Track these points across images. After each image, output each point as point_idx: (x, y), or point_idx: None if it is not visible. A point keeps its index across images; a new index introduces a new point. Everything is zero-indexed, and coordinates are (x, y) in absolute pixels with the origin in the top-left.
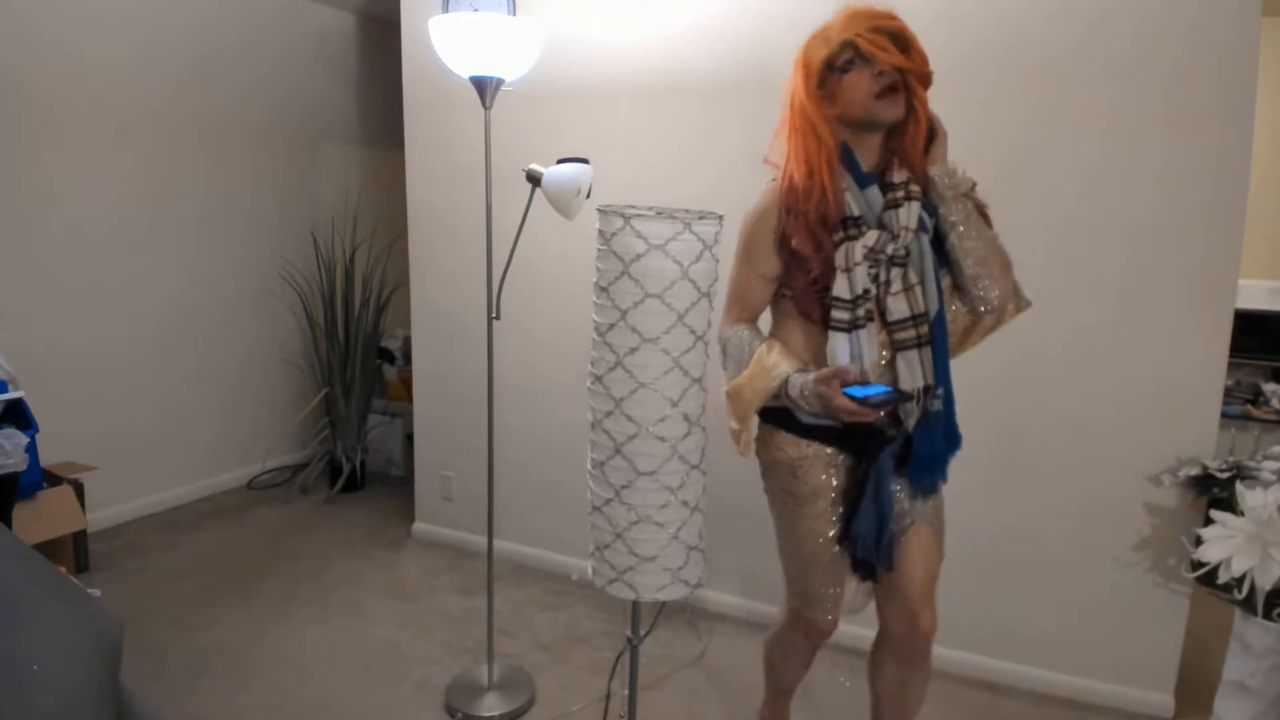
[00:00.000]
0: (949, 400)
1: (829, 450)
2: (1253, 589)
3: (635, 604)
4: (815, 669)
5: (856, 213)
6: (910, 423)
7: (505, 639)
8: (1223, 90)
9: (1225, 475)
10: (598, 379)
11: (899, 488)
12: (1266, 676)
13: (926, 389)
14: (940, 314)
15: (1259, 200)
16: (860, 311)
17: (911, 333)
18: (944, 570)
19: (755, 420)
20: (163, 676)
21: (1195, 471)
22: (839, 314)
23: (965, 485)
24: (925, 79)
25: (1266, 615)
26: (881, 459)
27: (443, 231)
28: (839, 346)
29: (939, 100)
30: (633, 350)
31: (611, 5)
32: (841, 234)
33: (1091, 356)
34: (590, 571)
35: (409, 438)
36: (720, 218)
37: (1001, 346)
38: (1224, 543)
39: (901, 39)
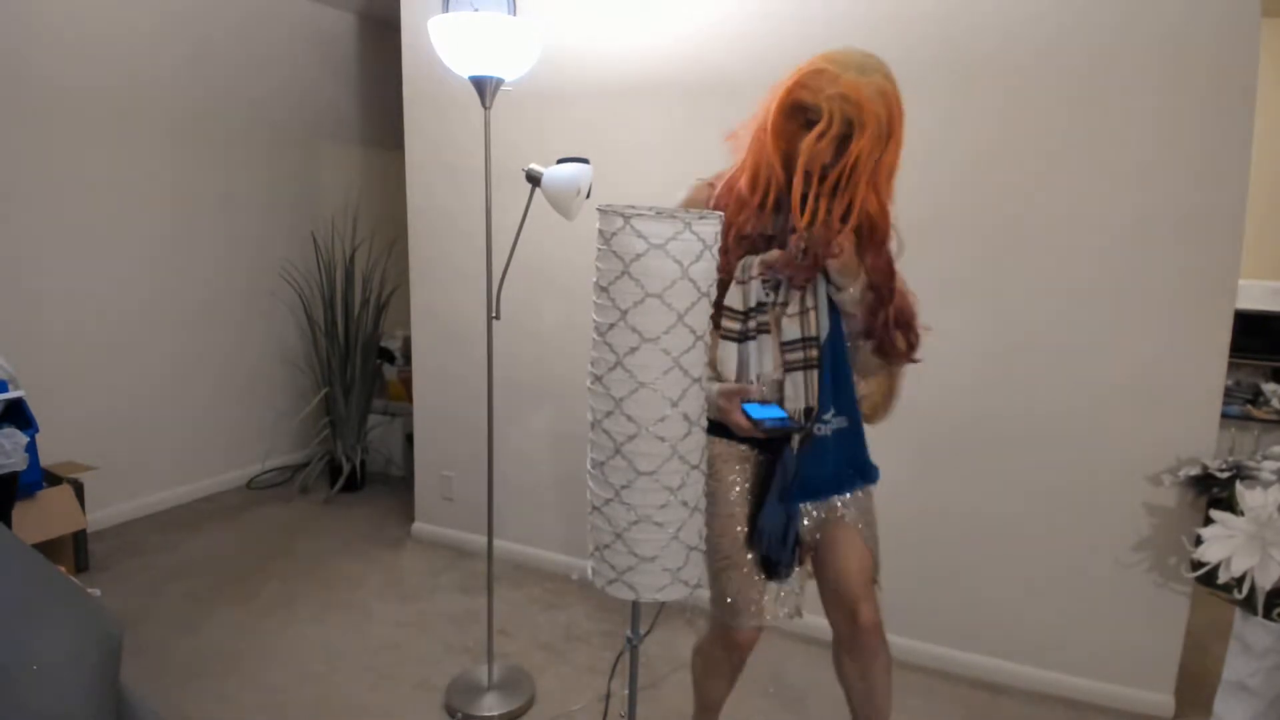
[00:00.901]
0: (857, 432)
1: (741, 449)
2: (1253, 589)
3: (635, 604)
4: (815, 671)
5: (771, 233)
6: (793, 443)
7: (505, 639)
8: (1223, 90)
9: (1225, 475)
10: (597, 379)
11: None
12: (1266, 676)
13: (809, 411)
14: (837, 340)
15: (1259, 200)
16: (751, 324)
17: (800, 354)
18: (944, 570)
19: None
20: (163, 676)
21: (1195, 471)
22: (729, 323)
23: (965, 485)
24: (872, 188)
25: (1266, 615)
26: (785, 455)
27: (443, 231)
28: (727, 354)
29: (944, 101)
30: (633, 350)
31: (611, 6)
32: (747, 248)
33: (1091, 357)
34: (590, 571)
35: (409, 438)
36: (720, 217)
37: (1001, 347)
38: (1224, 543)
39: (854, 120)
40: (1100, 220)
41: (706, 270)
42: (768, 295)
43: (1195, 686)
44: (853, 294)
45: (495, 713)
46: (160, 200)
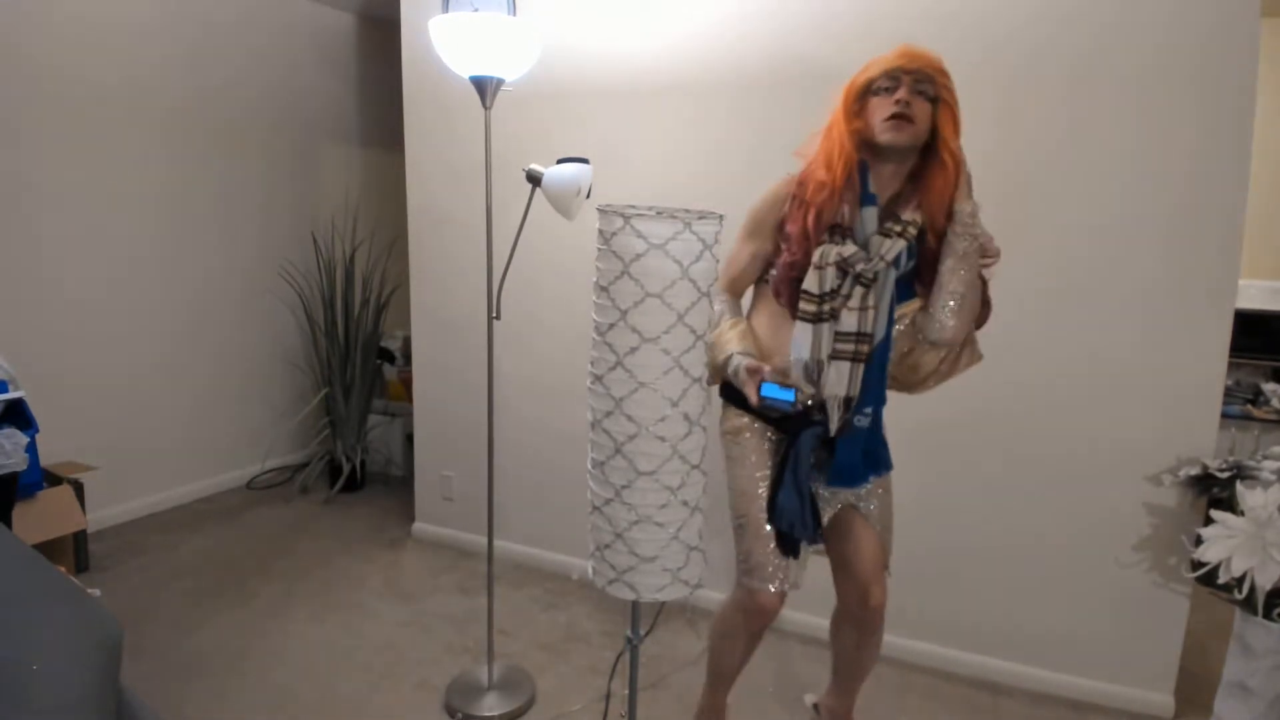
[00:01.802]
0: (877, 425)
1: (761, 425)
2: (1253, 589)
3: (635, 604)
4: (815, 671)
5: (849, 224)
6: (832, 426)
7: (505, 639)
8: (1223, 90)
9: (1225, 475)
10: (598, 379)
11: (818, 478)
12: (1266, 676)
13: (848, 401)
14: (885, 343)
15: (1259, 200)
16: (826, 308)
17: (851, 346)
18: (944, 570)
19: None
20: (163, 676)
21: (1195, 471)
22: (805, 305)
23: (966, 485)
24: (952, 131)
25: (1266, 615)
26: (802, 439)
27: (443, 231)
28: (800, 334)
29: None
30: (633, 350)
31: (612, 6)
32: (826, 236)
33: (1092, 357)
34: (590, 571)
35: (409, 438)
36: (721, 217)
37: (1001, 347)
38: (1224, 543)
39: (936, 83)
40: (1100, 220)
41: (707, 270)
42: (837, 285)
43: (1195, 686)
44: (960, 259)
45: (495, 713)
46: (160, 200)
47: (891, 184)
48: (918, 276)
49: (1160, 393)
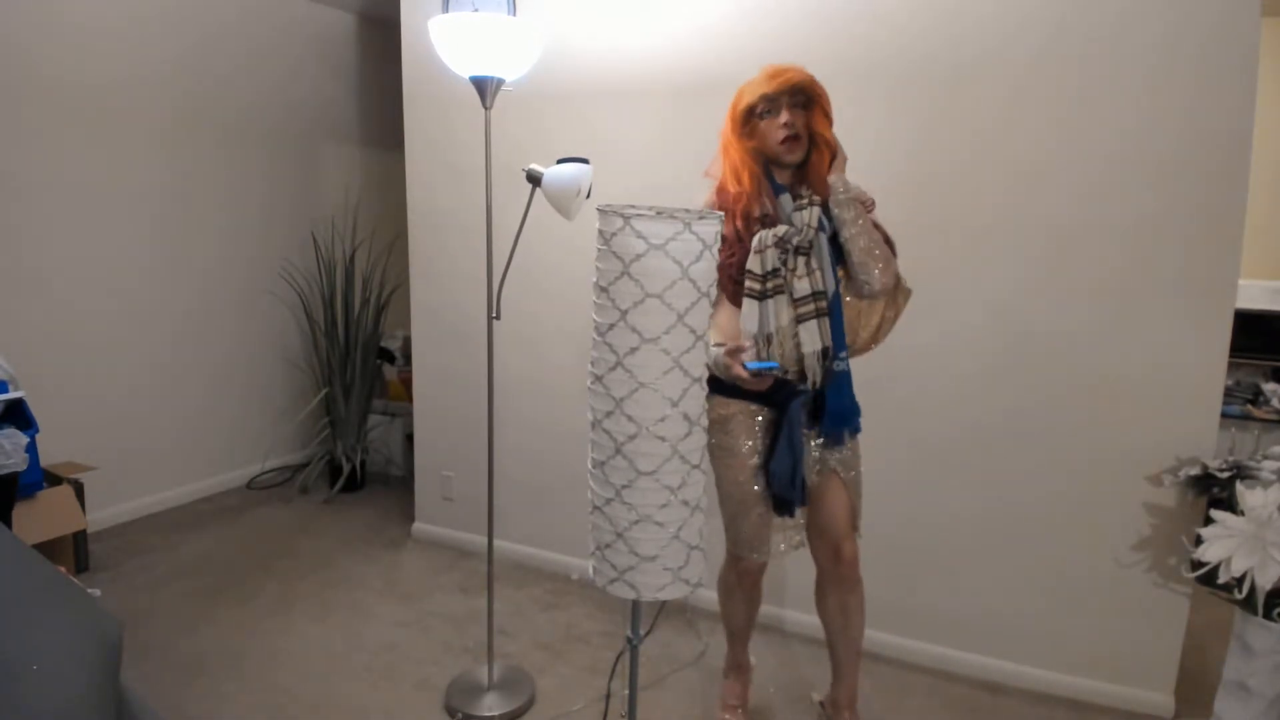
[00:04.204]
0: (847, 373)
1: (751, 407)
2: (1253, 589)
3: (635, 604)
4: (815, 671)
5: (772, 213)
6: (815, 380)
7: (505, 639)
8: (1223, 91)
9: (1225, 475)
10: (598, 379)
11: (814, 441)
12: (1266, 676)
13: (825, 351)
14: (836, 294)
15: (1259, 200)
16: (769, 285)
17: (811, 306)
18: (944, 570)
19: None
20: (163, 676)
21: (1195, 471)
22: (751, 284)
23: (966, 485)
24: (825, 125)
25: (1266, 615)
26: (793, 407)
27: (443, 231)
28: (749, 311)
29: (948, 103)
30: (633, 350)
31: (612, 5)
32: (759, 226)
33: (1092, 356)
34: (591, 571)
35: (409, 438)
36: (720, 218)
37: (1001, 346)
38: (1224, 543)
39: (806, 93)
40: (1099, 220)
41: (706, 270)
42: (781, 262)
43: (1195, 686)
44: (853, 224)
45: (495, 713)
46: (160, 200)
47: (789, 174)
48: (834, 247)
49: (1160, 393)
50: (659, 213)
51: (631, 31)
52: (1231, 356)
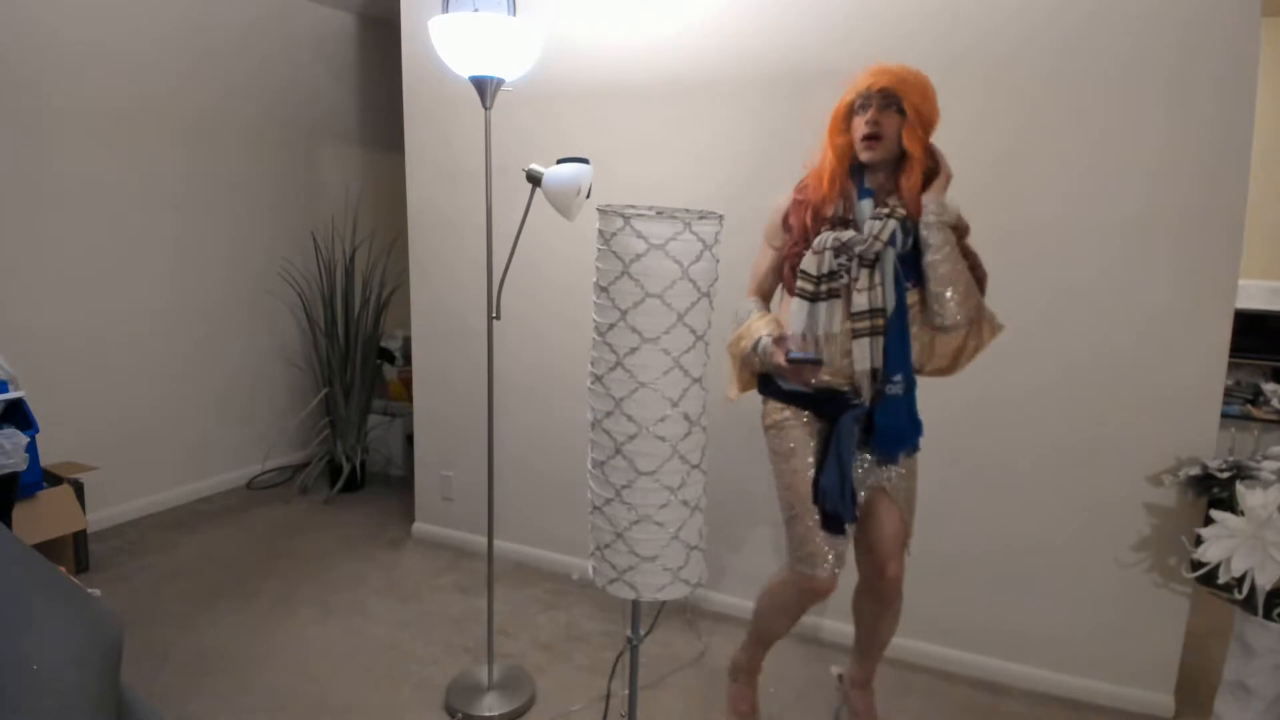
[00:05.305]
0: (910, 388)
1: (805, 414)
2: (1253, 589)
3: (635, 604)
4: (815, 671)
5: (847, 215)
6: (865, 399)
7: (505, 639)
8: (1223, 90)
9: (1225, 475)
10: (598, 379)
11: (866, 456)
12: (1266, 676)
13: (875, 373)
14: (898, 313)
15: (1259, 200)
16: (823, 288)
17: (867, 323)
18: (944, 570)
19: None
20: (163, 676)
21: (1195, 471)
22: (803, 284)
23: (967, 485)
24: (923, 134)
25: (1266, 615)
26: (843, 420)
27: (443, 231)
28: (797, 309)
29: (940, 104)
30: (633, 350)
31: (612, 5)
32: (826, 226)
33: (1092, 357)
34: (591, 571)
35: (409, 438)
36: (720, 217)
37: (1002, 347)
38: (1224, 543)
39: (894, 97)
40: (1100, 220)
41: (706, 270)
42: (839, 268)
43: (1195, 686)
44: (940, 249)
45: (495, 713)
46: (159, 201)
47: (881, 179)
48: (914, 267)
49: (1160, 393)
50: (659, 212)
51: (632, 31)
52: (1231, 356)
